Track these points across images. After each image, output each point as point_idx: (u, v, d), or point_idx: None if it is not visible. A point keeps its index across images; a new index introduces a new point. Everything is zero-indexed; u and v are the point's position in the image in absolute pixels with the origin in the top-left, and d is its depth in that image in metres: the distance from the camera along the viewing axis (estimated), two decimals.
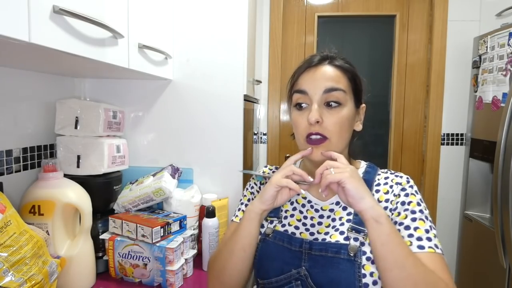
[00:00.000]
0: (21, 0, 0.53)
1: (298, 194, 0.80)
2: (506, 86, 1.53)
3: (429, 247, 0.65)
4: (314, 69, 0.74)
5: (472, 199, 1.86)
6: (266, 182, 0.78)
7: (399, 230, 0.68)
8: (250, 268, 0.77)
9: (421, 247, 0.65)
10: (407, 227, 0.68)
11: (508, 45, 1.53)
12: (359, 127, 0.80)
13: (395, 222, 0.70)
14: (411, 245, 0.66)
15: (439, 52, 1.93)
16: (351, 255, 0.68)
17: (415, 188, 0.74)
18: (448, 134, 1.98)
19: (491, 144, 1.60)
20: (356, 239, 0.70)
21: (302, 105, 0.74)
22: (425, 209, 0.71)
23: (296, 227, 0.77)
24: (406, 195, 0.72)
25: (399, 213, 0.70)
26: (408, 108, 2.04)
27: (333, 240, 0.71)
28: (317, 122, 0.71)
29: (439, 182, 1.99)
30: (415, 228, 0.67)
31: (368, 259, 0.67)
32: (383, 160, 2.11)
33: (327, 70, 0.74)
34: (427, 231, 0.67)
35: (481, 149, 1.75)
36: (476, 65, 1.78)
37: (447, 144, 1.99)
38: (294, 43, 2.05)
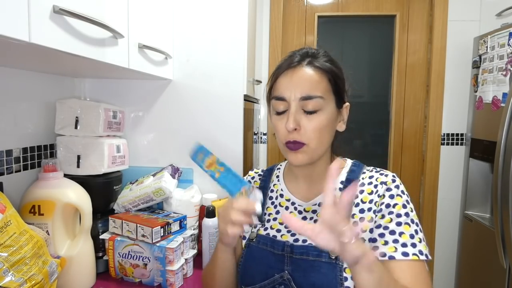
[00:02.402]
0: (21, 0, 0.53)
1: (282, 196, 0.80)
2: (506, 86, 1.53)
3: (413, 254, 0.64)
4: (292, 71, 0.70)
5: (472, 199, 1.85)
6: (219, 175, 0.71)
7: (383, 234, 0.66)
8: (236, 281, 0.78)
9: (405, 254, 0.64)
10: (392, 232, 0.66)
11: (508, 45, 1.53)
12: (342, 127, 0.76)
13: (380, 225, 0.67)
14: (395, 251, 0.64)
15: (439, 52, 1.93)
16: (332, 258, 0.67)
17: (402, 187, 0.71)
18: (448, 134, 1.98)
19: (491, 144, 1.60)
20: None
21: (280, 109, 0.71)
22: (412, 211, 0.68)
23: (278, 230, 0.76)
24: (391, 196, 0.69)
25: (383, 216, 0.68)
26: (408, 108, 2.04)
27: (313, 243, 0.70)
28: (295, 129, 0.69)
29: (439, 182, 1.99)
30: (400, 233, 0.66)
31: None
32: (383, 160, 2.11)
33: (305, 74, 0.70)
34: (412, 236, 0.66)
35: (481, 149, 1.75)
36: (476, 65, 1.78)
37: (447, 144, 1.99)
38: (294, 43, 2.05)
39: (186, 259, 0.99)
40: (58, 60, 0.81)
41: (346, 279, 0.65)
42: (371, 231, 0.68)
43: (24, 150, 1.00)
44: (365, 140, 2.14)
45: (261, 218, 0.79)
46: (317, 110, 0.69)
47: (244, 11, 1.21)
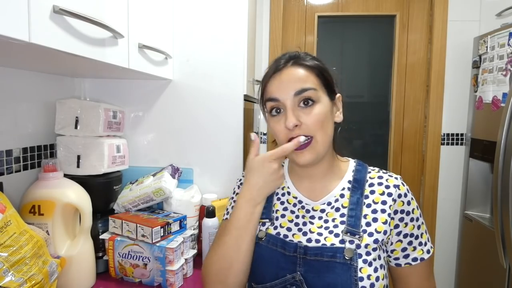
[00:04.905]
0: (21, 0, 0.53)
1: (289, 193, 0.79)
2: (506, 86, 1.53)
3: (431, 247, 0.75)
4: (280, 73, 0.73)
5: (472, 199, 1.85)
6: None
7: (411, 241, 0.73)
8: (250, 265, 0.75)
9: (428, 252, 0.74)
10: (416, 237, 0.73)
11: (508, 45, 1.53)
12: (339, 117, 0.77)
13: (406, 234, 0.72)
14: (423, 253, 0.73)
15: (439, 52, 1.93)
16: (347, 258, 0.67)
17: (410, 190, 0.76)
18: (448, 134, 1.98)
19: (491, 144, 1.60)
20: (351, 242, 0.68)
21: (277, 111, 0.72)
22: (419, 209, 0.75)
23: (288, 229, 0.75)
24: (408, 203, 0.73)
25: (406, 224, 0.72)
26: (408, 108, 2.04)
27: (328, 244, 0.70)
28: (296, 125, 0.69)
29: (439, 182, 1.99)
30: (421, 235, 0.74)
31: (364, 261, 0.67)
32: (383, 160, 2.11)
33: (293, 71, 0.72)
34: (426, 232, 0.76)
35: (481, 149, 1.75)
36: (476, 65, 1.78)
37: (447, 144, 1.99)
38: (294, 43, 2.05)
39: (186, 259, 0.99)
40: (58, 60, 0.81)
41: (361, 279, 0.66)
42: (385, 232, 0.70)
43: (24, 150, 1.00)
44: (365, 140, 2.14)
45: (269, 215, 0.78)
46: (313, 102, 0.70)
47: (244, 11, 1.21)
